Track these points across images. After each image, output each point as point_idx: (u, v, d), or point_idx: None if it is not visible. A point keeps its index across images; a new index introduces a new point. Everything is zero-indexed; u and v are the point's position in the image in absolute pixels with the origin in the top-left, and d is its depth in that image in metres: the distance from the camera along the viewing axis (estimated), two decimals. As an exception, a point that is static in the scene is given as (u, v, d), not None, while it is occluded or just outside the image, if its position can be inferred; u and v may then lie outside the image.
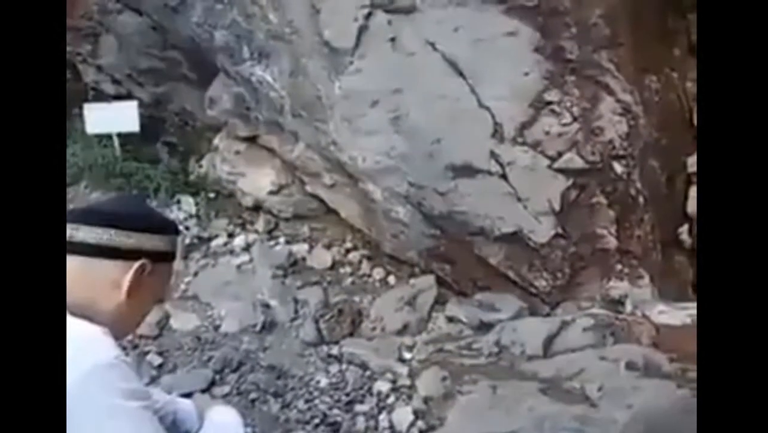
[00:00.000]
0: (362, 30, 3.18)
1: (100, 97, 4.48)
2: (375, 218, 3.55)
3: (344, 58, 3.25)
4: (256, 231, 4.09)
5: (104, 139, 4.40)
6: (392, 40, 3.13)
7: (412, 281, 3.54)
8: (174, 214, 4.16)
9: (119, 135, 4.34)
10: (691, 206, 3.16)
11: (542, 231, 3.08)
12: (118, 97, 4.44)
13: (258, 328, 3.32)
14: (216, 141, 4.27)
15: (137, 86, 4.38)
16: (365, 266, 3.77)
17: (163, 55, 4.16)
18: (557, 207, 3.06)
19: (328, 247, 3.91)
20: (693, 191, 3.18)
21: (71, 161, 4.28)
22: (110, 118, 4.26)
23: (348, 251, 3.88)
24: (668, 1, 3.06)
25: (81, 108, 4.34)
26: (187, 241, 3.93)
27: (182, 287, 3.66)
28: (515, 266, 3.19)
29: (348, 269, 3.78)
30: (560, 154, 3.02)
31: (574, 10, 2.95)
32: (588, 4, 2.97)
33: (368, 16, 3.16)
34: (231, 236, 4.02)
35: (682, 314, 2.84)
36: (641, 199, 3.13)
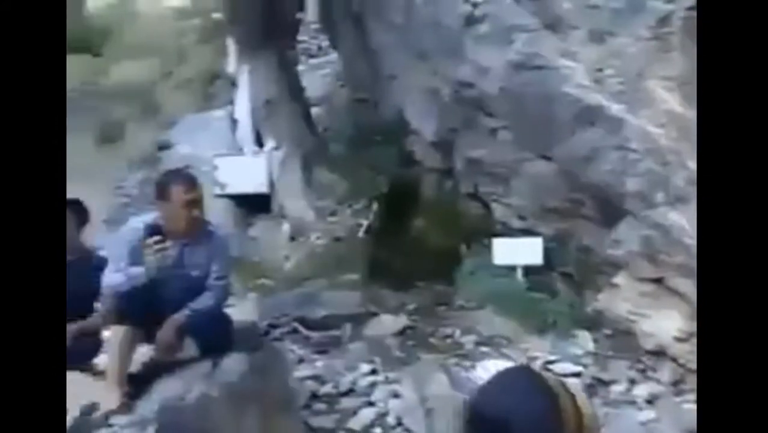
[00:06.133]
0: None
1: (506, 231, 4.97)
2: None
3: None
4: (659, 381, 3.81)
5: (507, 268, 4.85)
6: None
7: None
8: (570, 349, 4.22)
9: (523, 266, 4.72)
10: None
11: None
12: (523, 232, 4.86)
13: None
14: (617, 279, 4.23)
15: (541, 222, 4.72)
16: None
17: (568, 196, 4.41)
18: None
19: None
20: None
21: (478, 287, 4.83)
22: (516, 251, 4.68)
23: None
24: None
25: (490, 241, 4.90)
26: (587, 381, 3.90)
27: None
28: None
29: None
30: None
31: None
32: None
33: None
34: (633, 382, 3.83)
35: None
36: None
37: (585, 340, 4.25)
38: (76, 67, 10.29)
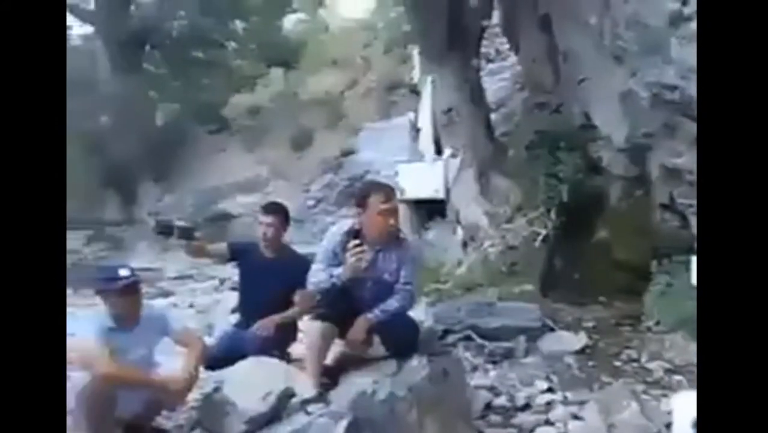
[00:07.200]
0: None
1: (709, 249, 4.46)
2: None
3: None
4: None
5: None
6: None
7: None
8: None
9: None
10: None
11: None
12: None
13: None
14: None
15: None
16: None
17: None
18: None
19: None
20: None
21: (670, 309, 4.38)
22: (720, 273, 4.18)
23: None
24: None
25: (688, 258, 4.43)
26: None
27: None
28: None
29: None
30: None
31: None
32: None
33: None
34: None
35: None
36: None
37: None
38: (275, 80, 11.45)
